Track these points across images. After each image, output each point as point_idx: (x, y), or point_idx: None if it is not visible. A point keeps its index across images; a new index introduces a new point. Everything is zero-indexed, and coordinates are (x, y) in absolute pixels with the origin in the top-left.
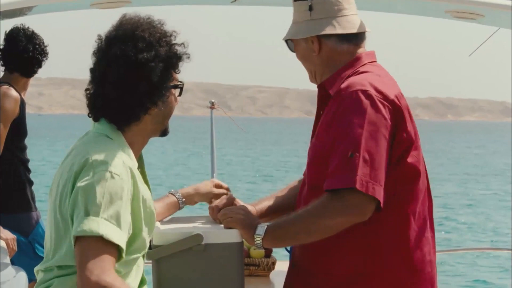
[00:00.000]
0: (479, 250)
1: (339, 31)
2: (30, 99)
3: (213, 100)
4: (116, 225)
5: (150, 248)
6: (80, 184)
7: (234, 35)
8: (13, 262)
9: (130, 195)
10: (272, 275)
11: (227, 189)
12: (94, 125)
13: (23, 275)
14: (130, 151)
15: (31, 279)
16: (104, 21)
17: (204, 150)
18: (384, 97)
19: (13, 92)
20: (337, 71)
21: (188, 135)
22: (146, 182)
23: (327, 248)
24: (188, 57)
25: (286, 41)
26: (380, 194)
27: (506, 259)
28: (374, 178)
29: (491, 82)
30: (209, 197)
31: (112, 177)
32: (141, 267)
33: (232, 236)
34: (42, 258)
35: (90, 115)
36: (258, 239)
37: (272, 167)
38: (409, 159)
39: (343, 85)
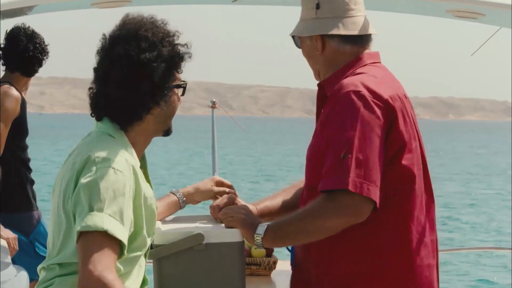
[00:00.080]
0: (479, 249)
1: (342, 32)
2: (32, 98)
3: (214, 100)
4: (119, 221)
5: (151, 247)
6: (83, 180)
7: (235, 34)
8: (14, 261)
9: (132, 193)
10: (273, 274)
11: (229, 186)
12: (96, 125)
13: (24, 275)
14: (133, 151)
15: (32, 278)
16: (105, 20)
17: (206, 150)
18: (377, 97)
19: (14, 92)
20: (337, 71)
21: (190, 134)
22: (149, 181)
23: (326, 248)
24: (190, 57)
25: (293, 36)
26: (375, 195)
27: (509, 258)
28: (369, 178)
29: (492, 81)
30: (210, 195)
31: (115, 173)
32: (143, 268)
33: (233, 235)
34: (43, 257)
35: (92, 114)
36: (258, 239)
37: (274, 166)
38: (404, 162)
39: (336, 86)
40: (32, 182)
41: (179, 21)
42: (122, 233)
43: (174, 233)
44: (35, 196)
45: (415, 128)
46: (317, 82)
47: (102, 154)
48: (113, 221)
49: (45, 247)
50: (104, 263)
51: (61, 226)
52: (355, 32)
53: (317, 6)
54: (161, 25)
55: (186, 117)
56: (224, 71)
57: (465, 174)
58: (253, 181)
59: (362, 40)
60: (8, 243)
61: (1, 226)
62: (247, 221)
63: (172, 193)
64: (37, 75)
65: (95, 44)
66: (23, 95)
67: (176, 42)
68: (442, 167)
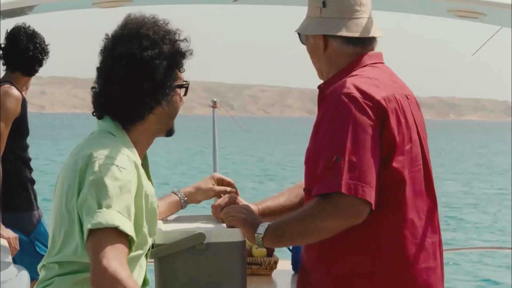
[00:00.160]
0: (479, 249)
1: (343, 33)
2: (32, 98)
3: (215, 99)
4: (127, 217)
5: (152, 246)
6: (88, 179)
7: (235, 34)
8: (15, 261)
9: (135, 190)
10: (274, 274)
11: (229, 183)
12: (98, 123)
13: (25, 274)
14: (134, 150)
15: (33, 277)
16: (106, 20)
17: (208, 149)
18: (369, 98)
19: (14, 91)
20: (336, 73)
21: (191, 134)
22: (150, 181)
23: (327, 248)
24: (191, 53)
25: (299, 33)
26: (370, 196)
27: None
28: (363, 180)
29: (493, 81)
30: (211, 194)
31: (120, 170)
32: (143, 268)
33: (235, 235)
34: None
35: (94, 113)
36: (259, 238)
37: (276, 166)
38: (394, 164)
39: (329, 89)
40: (32, 182)
41: (180, 21)
42: (131, 229)
43: (176, 232)
44: (36, 195)
45: (417, 129)
46: (318, 82)
47: (104, 152)
48: (122, 217)
49: (46, 247)
50: (117, 259)
51: (62, 224)
52: (357, 34)
53: (323, 5)
54: (163, 24)
55: (186, 116)
56: (225, 71)
57: (467, 174)
58: (256, 180)
59: (365, 41)
60: (9, 243)
61: (2, 226)
62: (248, 220)
63: (174, 192)
64: (37, 74)
65: (96, 43)
66: (24, 94)
67: (177, 40)
68: (443, 167)
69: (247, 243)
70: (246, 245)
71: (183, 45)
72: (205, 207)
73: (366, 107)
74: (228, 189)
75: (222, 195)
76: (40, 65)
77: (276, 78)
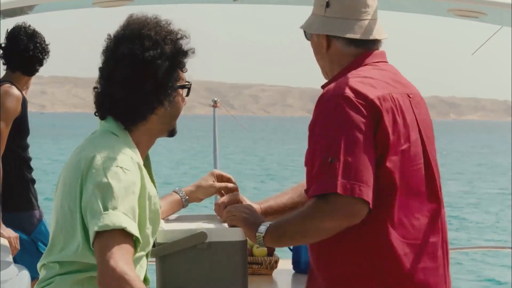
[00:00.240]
0: (479, 248)
1: (345, 35)
2: (33, 98)
3: (215, 99)
4: (132, 219)
5: (153, 246)
6: (93, 181)
7: (235, 34)
8: (15, 260)
9: (138, 191)
10: (275, 273)
11: (229, 179)
12: (101, 123)
13: (25, 274)
14: (137, 150)
15: (34, 277)
16: (106, 19)
17: (210, 149)
18: (362, 97)
19: (14, 91)
20: (336, 74)
21: (191, 134)
22: (153, 181)
23: (326, 249)
24: (193, 52)
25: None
26: (367, 195)
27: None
28: (360, 179)
29: (493, 81)
30: (212, 191)
31: (124, 172)
32: (144, 268)
33: (236, 234)
34: None
35: (96, 113)
36: (260, 238)
37: (278, 166)
38: (387, 163)
39: (324, 90)
40: (33, 182)
41: (180, 21)
42: (137, 230)
43: (177, 231)
44: (36, 195)
45: (418, 128)
46: (319, 81)
47: (107, 153)
48: (128, 218)
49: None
50: (125, 260)
51: (63, 224)
52: (358, 36)
53: (327, 5)
54: (165, 24)
55: (187, 116)
56: (225, 70)
57: (468, 173)
58: (258, 180)
59: (368, 43)
60: (10, 242)
61: (3, 225)
62: (249, 220)
63: (175, 191)
64: (38, 74)
65: (96, 43)
66: (24, 94)
67: (179, 40)
68: (444, 166)
69: (248, 242)
70: (247, 245)
71: (185, 46)
72: (207, 207)
73: (360, 106)
74: (229, 185)
75: (223, 191)
76: (41, 64)
77: (277, 77)
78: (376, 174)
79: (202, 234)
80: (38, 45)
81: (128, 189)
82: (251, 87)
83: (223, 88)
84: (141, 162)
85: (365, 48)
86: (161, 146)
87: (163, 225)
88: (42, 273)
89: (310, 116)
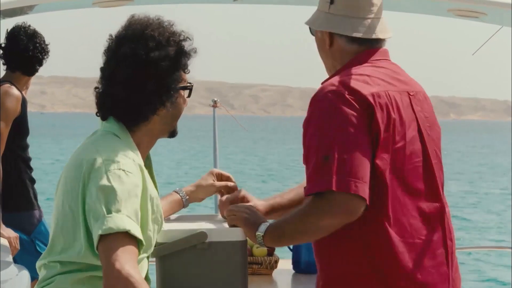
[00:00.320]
0: (478, 248)
1: (348, 33)
2: (33, 98)
3: (215, 99)
4: (135, 221)
5: (154, 246)
6: (96, 184)
7: (235, 34)
8: (15, 260)
9: (140, 193)
10: (275, 273)
11: (228, 178)
12: (102, 124)
13: (25, 274)
14: (138, 152)
15: (34, 277)
16: (106, 19)
17: (210, 149)
18: (355, 93)
19: (14, 91)
20: (337, 70)
21: (192, 134)
22: (154, 182)
23: (327, 247)
24: (195, 52)
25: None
26: (363, 191)
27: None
28: (355, 175)
29: (493, 81)
30: (212, 191)
31: (126, 174)
32: (144, 268)
33: (236, 234)
34: None
35: (98, 114)
36: (259, 237)
37: (279, 166)
38: (377, 161)
39: (318, 88)
40: (33, 181)
41: (180, 21)
42: (140, 232)
43: (177, 231)
44: (36, 195)
45: (418, 126)
46: (319, 81)
47: (109, 156)
48: (131, 221)
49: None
50: (130, 263)
51: (64, 224)
52: (360, 35)
53: (331, 2)
54: (167, 25)
55: (187, 116)
56: (225, 70)
57: (469, 173)
58: (259, 180)
59: (371, 41)
60: (10, 242)
61: (2, 225)
62: (249, 220)
63: (175, 191)
64: (38, 74)
65: (96, 43)
66: (24, 94)
67: (182, 41)
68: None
69: (248, 242)
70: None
71: (187, 47)
72: (207, 206)
73: (353, 102)
74: (229, 184)
75: (223, 190)
76: (40, 64)
77: (277, 77)
78: (371, 171)
79: (202, 234)
80: (37, 45)
81: (131, 192)
82: (251, 87)
83: (223, 88)
84: (143, 164)
85: (368, 46)
86: (161, 146)
87: (163, 225)
88: (42, 273)
89: None
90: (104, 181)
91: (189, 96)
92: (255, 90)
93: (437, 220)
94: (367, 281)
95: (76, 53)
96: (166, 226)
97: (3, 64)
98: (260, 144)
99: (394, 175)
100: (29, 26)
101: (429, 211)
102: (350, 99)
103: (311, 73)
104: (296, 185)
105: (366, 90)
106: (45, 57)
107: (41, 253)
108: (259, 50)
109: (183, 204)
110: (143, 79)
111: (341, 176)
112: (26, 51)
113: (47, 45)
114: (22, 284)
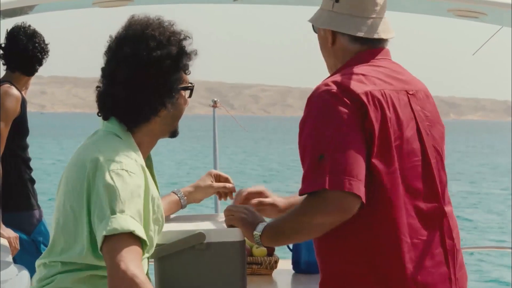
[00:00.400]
0: (478, 248)
1: (352, 32)
2: (33, 98)
3: (215, 99)
4: (139, 222)
5: None
6: (99, 185)
7: (235, 34)
8: (15, 260)
9: (143, 194)
10: (275, 273)
11: (226, 179)
12: (103, 124)
13: (25, 274)
14: (139, 152)
15: None
16: (106, 19)
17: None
18: (348, 92)
19: (14, 91)
20: (337, 69)
21: (192, 134)
22: (155, 182)
23: (326, 247)
24: (196, 53)
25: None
26: (358, 188)
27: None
28: (349, 173)
29: (493, 81)
30: (211, 192)
31: (129, 175)
32: (145, 268)
33: (234, 234)
34: None
35: (99, 114)
36: (257, 237)
37: (279, 166)
38: (374, 160)
39: (314, 87)
40: (32, 181)
41: (180, 21)
42: (143, 233)
43: (175, 232)
44: (36, 195)
45: (417, 126)
46: (319, 81)
47: (112, 156)
48: (135, 222)
49: (47, 246)
50: (135, 263)
51: (65, 224)
52: (362, 34)
53: (336, 0)
54: (168, 25)
55: (187, 116)
56: (225, 70)
57: (470, 174)
58: (261, 180)
59: (373, 41)
60: (9, 242)
61: (2, 225)
62: (247, 220)
63: (174, 192)
64: (38, 74)
65: (96, 43)
66: (24, 94)
67: (183, 41)
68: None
69: (247, 242)
70: (246, 245)
71: (188, 47)
72: (208, 207)
73: (347, 100)
74: (228, 185)
75: (221, 191)
76: (40, 64)
77: (277, 77)
78: (371, 166)
79: (200, 235)
80: (37, 45)
81: (134, 192)
82: (251, 87)
83: (223, 88)
84: (144, 164)
85: (370, 46)
86: (162, 146)
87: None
88: (41, 271)
89: None
90: (108, 182)
91: (190, 96)
92: (255, 90)
93: (436, 220)
94: (366, 281)
95: (76, 53)
96: (164, 226)
97: (3, 64)
98: (261, 144)
99: (392, 175)
100: (29, 26)
101: (428, 211)
102: (343, 98)
103: (311, 73)
104: (297, 184)
105: (359, 88)
106: (45, 57)
107: (41, 253)
108: (259, 50)
109: (181, 205)
110: (144, 79)
111: (335, 175)
112: (25, 51)
113: (46, 45)
114: (22, 284)
